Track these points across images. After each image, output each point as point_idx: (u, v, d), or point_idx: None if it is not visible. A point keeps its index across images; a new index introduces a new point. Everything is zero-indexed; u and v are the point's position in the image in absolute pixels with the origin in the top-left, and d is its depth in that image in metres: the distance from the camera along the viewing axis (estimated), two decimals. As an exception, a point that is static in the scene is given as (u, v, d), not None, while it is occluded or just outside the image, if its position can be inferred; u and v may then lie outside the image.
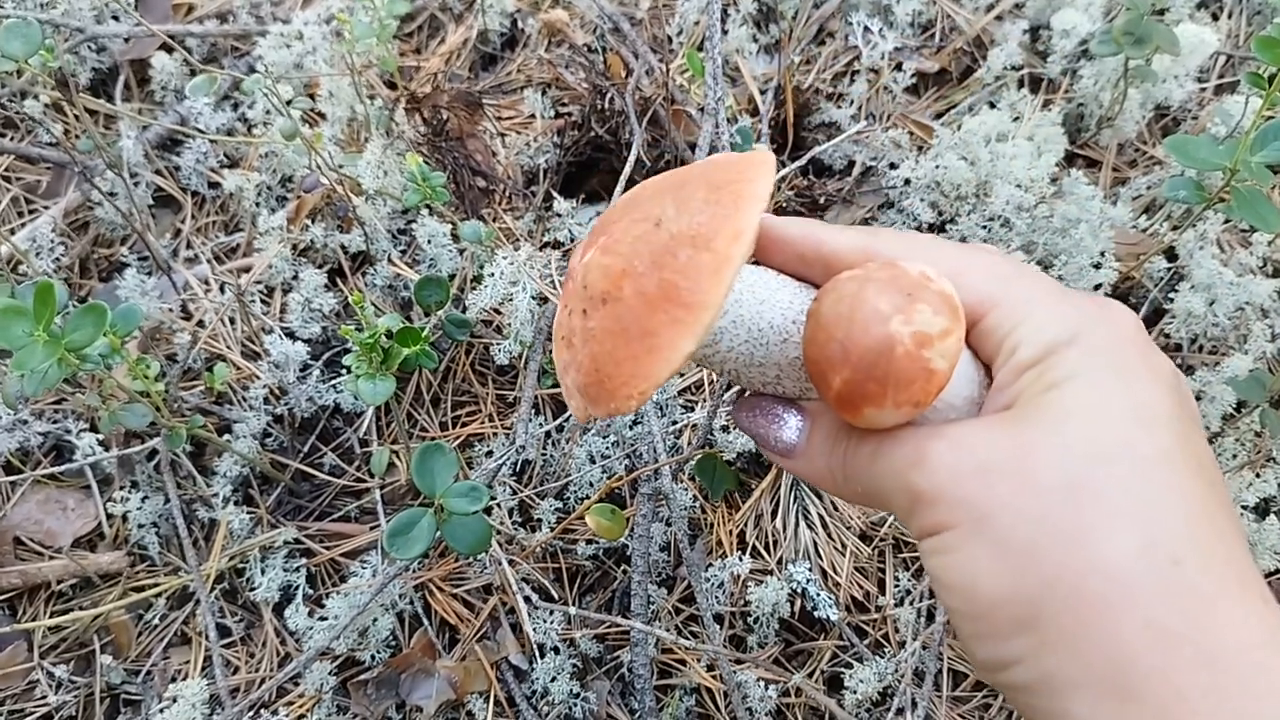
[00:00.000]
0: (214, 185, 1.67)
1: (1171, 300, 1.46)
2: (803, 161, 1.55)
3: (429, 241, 1.49)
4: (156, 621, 1.37)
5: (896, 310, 0.50)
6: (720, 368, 0.60)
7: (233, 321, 1.50)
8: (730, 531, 1.39)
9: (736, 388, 0.61)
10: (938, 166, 1.56)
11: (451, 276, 1.53)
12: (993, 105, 1.71)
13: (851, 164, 1.68)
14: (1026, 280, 0.55)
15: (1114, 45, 1.43)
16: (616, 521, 1.21)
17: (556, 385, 1.49)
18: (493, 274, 1.37)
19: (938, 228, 1.59)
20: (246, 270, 1.55)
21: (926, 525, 0.49)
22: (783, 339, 0.57)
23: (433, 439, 1.47)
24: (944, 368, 0.50)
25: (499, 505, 1.39)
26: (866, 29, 1.76)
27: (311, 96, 1.69)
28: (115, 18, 1.75)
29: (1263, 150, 1.20)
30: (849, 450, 0.55)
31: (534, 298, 1.40)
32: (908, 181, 1.60)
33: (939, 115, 1.74)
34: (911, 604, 1.31)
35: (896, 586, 1.34)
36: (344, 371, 1.48)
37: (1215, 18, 1.80)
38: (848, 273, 0.53)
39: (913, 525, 0.51)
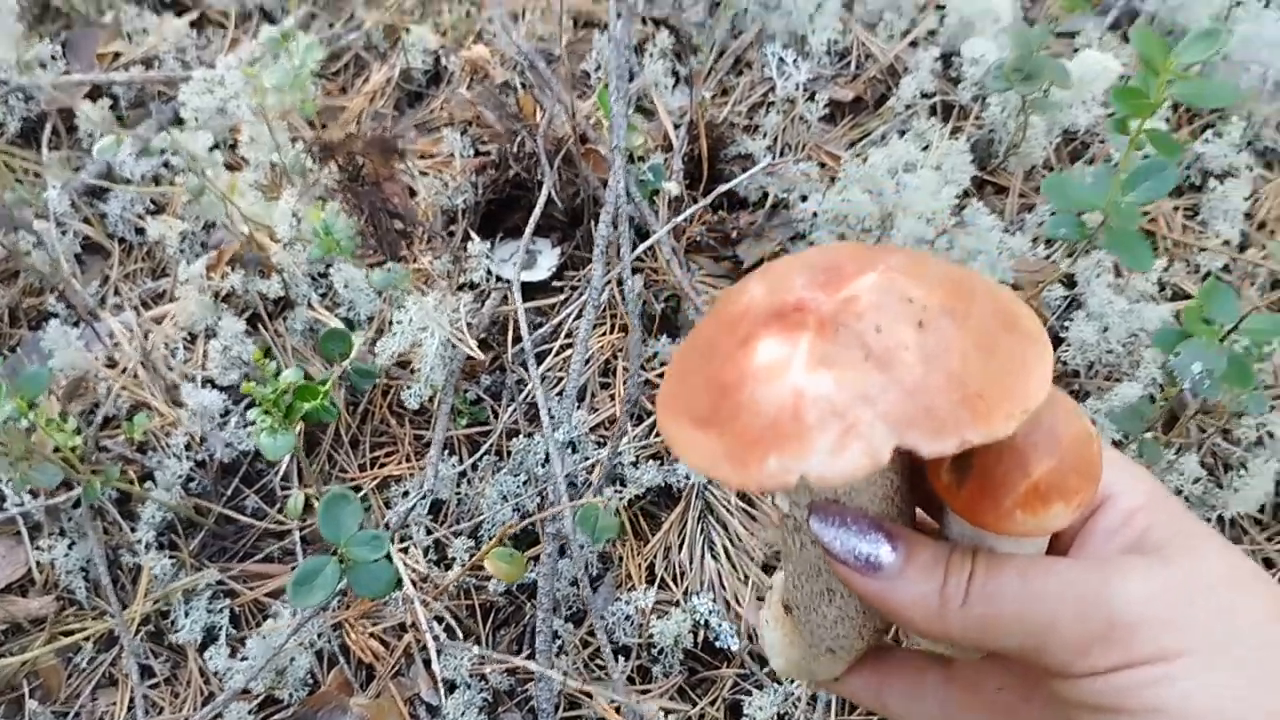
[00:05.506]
0: (140, 231, 1.71)
1: (1067, 329, 1.50)
2: (712, 197, 1.59)
3: (345, 286, 1.53)
4: (84, 665, 1.42)
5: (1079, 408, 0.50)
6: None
7: (155, 370, 1.54)
8: (640, 565, 1.43)
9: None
10: (843, 200, 1.59)
11: (370, 319, 1.57)
12: (903, 134, 1.74)
13: (766, 196, 1.71)
14: None
15: (1005, 81, 1.46)
16: (515, 564, 1.25)
17: (470, 425, 1.53)
18: (401, 321, 1.41)
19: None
20: (169, 318, 1.59)
21: (1136, 655, 0.47)
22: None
23: (352, 479, 1.52)
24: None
25: (414, 545, 1.43)
26: (781, 60, 1.79)
27: (234, 144, 1.72)
28: (43, 65, 1.78)
29: (1133, 191, 1.24)
30: (984, 571, 0.50)
31: (443, 343, 1.44)
32: (816, 214, 1.63)
33: (854, 144, 1.77)
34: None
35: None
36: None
37: (1126, 39, 1.83)
38: None
39: (1096, 658, 0.47)
